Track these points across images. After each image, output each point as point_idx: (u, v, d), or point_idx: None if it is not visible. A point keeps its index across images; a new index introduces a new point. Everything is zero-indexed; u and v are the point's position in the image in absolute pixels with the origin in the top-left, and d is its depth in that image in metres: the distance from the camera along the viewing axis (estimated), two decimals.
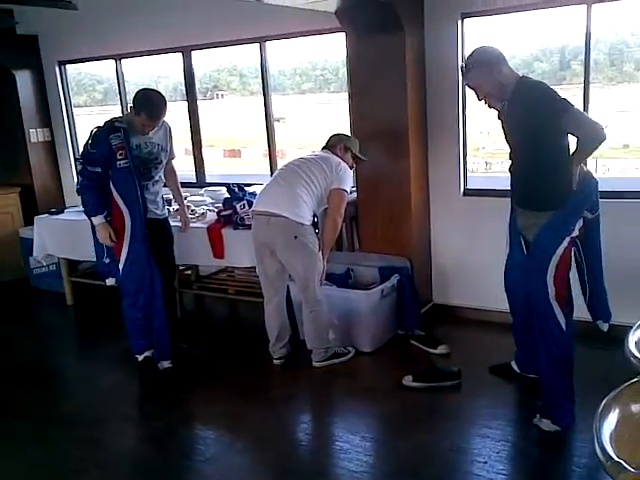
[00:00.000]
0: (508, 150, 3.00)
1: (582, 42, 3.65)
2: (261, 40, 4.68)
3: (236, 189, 4.27)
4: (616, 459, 1.31)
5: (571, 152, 2.78)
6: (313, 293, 3.61)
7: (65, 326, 5.07)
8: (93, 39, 5.42)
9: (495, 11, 3.84)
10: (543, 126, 2.71)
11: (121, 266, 3.59)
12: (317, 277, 3.61)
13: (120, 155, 3.45)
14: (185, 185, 5.01)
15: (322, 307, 3.65)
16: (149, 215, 3.65)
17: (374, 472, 2.83)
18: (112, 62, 5.55)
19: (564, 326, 2.89)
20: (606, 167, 5.89)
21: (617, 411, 1.51)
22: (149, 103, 3.49)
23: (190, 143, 5.32)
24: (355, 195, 4.28)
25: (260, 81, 4.87)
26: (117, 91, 5.61)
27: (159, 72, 6.21)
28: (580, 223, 2.84)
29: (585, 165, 3.00)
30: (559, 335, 2.90)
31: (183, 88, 5.28)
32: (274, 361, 3.81)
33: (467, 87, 3.05)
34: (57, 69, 5.95)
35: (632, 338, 1.84)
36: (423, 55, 4.05)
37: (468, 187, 4.21)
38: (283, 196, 3.54)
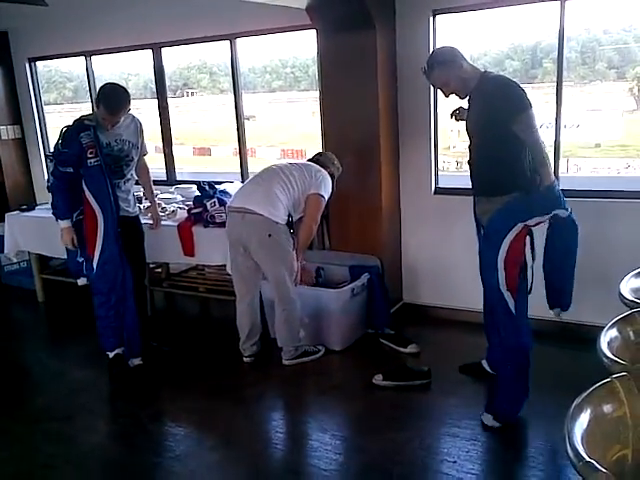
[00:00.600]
0: (468, 142, 3.04)
1: (554, 40, 3.66)
2: (231, 37, 4.65)
3: (207, 187, 4.24)
4: (587, 459, 1.31)
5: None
6: (286, 292, 3.59)
7: (36, 323, 5.03)
8: (63, 35, 5.36)
9: (467, 7, 3.83)
10: (498, 118, 2.74)
11: (94, 265, 3.56)
12: (290, 276, 3.59)
13: (91, 153, 3.42)
14: (155, 183, 4.94)
15: (295, 306, 3.63)
16: (121, 213, 3.63)
17: (344, 470, 2.82)
18: (82, 59, 5.49)
19: (514, 311, 2.85)
20: (577, 166, 5.94)
21: (589, 411, 1.51)
22: (109, 97, 3.46)
23: (160, 141, 5.28)
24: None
25: (230, 79, 4.84)
26: (87, 88, 5.57)
27: (129, 69, 6.16)
28: (541, 218, 2.84)
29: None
30: (508, 321, 2.88)
31: (153, 86, 5.24)
32: (244, 359, 3.80)
33: (432, 87, 3.07)
34: (27, 66, 5.88)
35: (604, 339, 1.85)
36: (394, 52, 4.04)
37: (439, 186, 4.22)
38: (259, 194, 3.53)
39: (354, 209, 4.14)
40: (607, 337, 1.87)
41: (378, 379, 3.42)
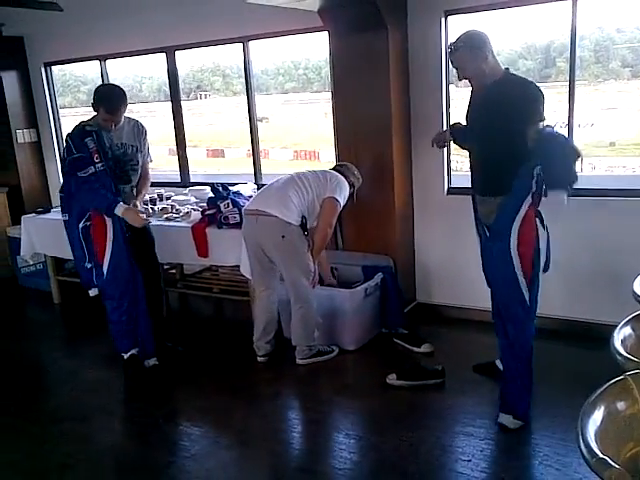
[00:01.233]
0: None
1: (567, 39, 3.64)
2: (244, 40, 4.67)
3: (220, 188, 4.26)
4: (601, 456, 1.30)
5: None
6: (301, 291, 3.62)
7: (51, 324, 5.08)
8: (78, 40, 5.42)
9: (479, 8, 3.82)
10: (517, 118, 2.75)
11: (104, 270, 3.57)
12: (306, 275, 3.61)
13: (96, 159, 3.44)
14: (169, 185, 5.01)
15: (310, 306, 3.65)
16: None
17: (358, 469, 2.82)
18: (97, 63, 5.54)
19: (528, 301, 2.84)
20: (592, 165, 5.90)
21: (602, 409, 1.51)
22: (106, 97, 3.50)
23: (174, 143, 5.32)
24: None
25: (243, 81, 4.86)
26: None
27: (143, 73, 6.20)
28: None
29: None
30: (522, 312, 2.86)
31: (167, 88, 5.28)
32: (258, 358, 3.82)
33: (450, 64, 3.09)
34: (43, 70, 5.96)
35: (617, 336, 1.85)
36: (406, 53, 4.04)
37: (452, 186, 4.21)
38: (273, 197, 3.60)
39: (367, 209, 4.14)
40: (621, 335, 1.87)
41: (392, 379, 3.43)
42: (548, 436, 2.93)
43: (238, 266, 4.03)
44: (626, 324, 1.95)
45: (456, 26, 3.94)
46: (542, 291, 3.21)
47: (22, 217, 5.18)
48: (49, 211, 5.21)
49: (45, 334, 4.88)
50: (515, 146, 2.78)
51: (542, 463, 2.72)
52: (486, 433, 2.94)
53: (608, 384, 1.60)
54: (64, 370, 4.11)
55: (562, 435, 2.87)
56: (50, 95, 6.02)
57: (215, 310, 5.10)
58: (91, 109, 3.60)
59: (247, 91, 4.84)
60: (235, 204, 4.11)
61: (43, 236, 5.00)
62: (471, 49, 2.88)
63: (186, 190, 5.05)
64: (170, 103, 5.25)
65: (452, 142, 3.47)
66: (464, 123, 3.21)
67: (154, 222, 4.08)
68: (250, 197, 4.12)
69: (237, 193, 4.27)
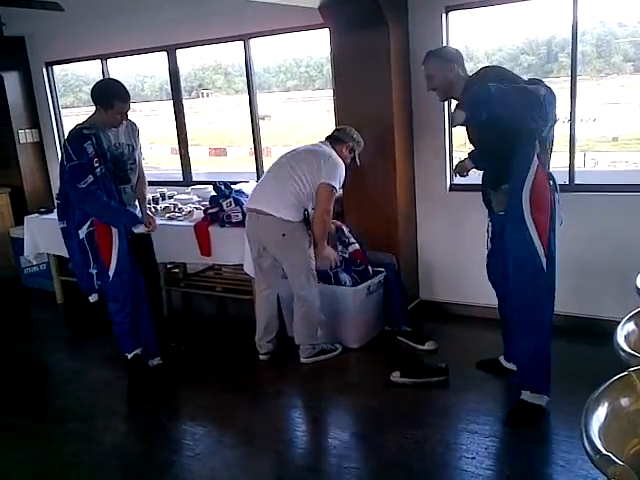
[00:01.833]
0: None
1: (569, 34, 3.63)
2: (245, 37, 4.67)
3: (222, 187, 4.26)
4: (605, 452, 1.30)
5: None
6: (303, 288, 3.61)
7: (55, 324, 5.10)
8: (79, 40, 5.42)
9: (480, 3, 3.81)
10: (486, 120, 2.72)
11: (110, 274, 3.55)
12: (307, 273, 3.60)
13: (96, 162, 3.40)
14: (172, 184, 5.01)
15: (312, 303, 3.65)
16: None
17: (362, 467, 2.83)
18: (98, 62, 5.54)
19: (545, 268, 2.83)
20: (595, 160, 5.88)
21: (606, 405, 1.50)
22: (116, 89, 3.45)
23: (176, 142, 5.32)
24: (341, 192, 4.27)
25: (245, 79, 4.86)
26: None
27: (144, 72, 6.20)
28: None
29: None
30: (539, 280, 2.84)
31: (168, 87, 5.28)
32: (260, 356, 3.82)
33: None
34: (44, 70, 5.96)
35: (621, 332, 1.84)
36: (407, 49, 4.03)
37: (454, 182, 4.20)
38: (272, 194, 3.56)
39: (369, 206, 4.14)
40: (624, 331, 1.86)
41: (396, 376, 3.42)
42: (552, 433, 2.94)
43: (241, 265, 4.03)
44: (629, 320, 1.94)
45: (457, 22, 3.93)
46: None
47: (25, 217, 5.19)
48: (52, 211, 5.16)
49: (49, 334, 4.89)
50: (504, 137, 2.79)
51: (546, 460, 2.72)
52: (490, 430, 2.94)
53: (612, 380, 1.59)
54: (68, 370, 4.11)
55: (566, 432, 2.86)
56: (52, 95, 6.03)
57: (218, 309, 5.11)
58: (92, 109, 3.57)
59: (249, 89, 4.84)
60: (237, 202, 4.11)
61: (46, 236, 5.00)
62: (438, 58, 3.00)
63: (188, 189, 5.05)
64: (172, 102, 5.25)
65: (475, 169, 3.42)
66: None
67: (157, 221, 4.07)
68: None
69: (239, 191, 4.27)
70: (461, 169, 3.36)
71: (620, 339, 1.80)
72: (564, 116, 3.74)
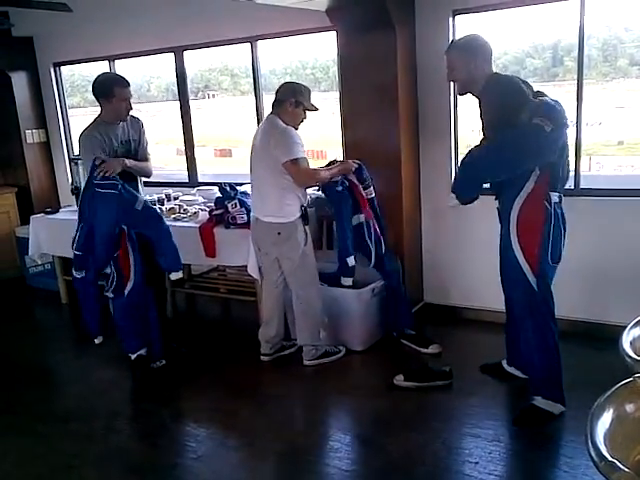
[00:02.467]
0: None
1: (575, 38, 3.63)
2: (252, 39, 4.67)
3: (228, 188, 4.26)
4: (610, 459, 1.29)
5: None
6: (301, 286, 3.61)
7: (60, 324, 5.11)
8: (87, 41, 5.44)
9: (487, 7, 3.81)
10: (502, 123, 2.77)
11: (126, 292, 3.58)
12: (304, 271, 3.59)
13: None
14: (177, 185, 5.01)
15: (311, 303, 3.64)
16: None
17: (365, 471, 2.83)
18: (106, 63, 5.55)
19: (536, 287, 2.85)
20: (600, 165, 5.86)
21: (611, 411, 1.50)
22: (113, 77, 3.56)
23: (182, 143, 5.32)
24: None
25: (251, 81, 4.87)
26: None
27: (151, 73, 6.21)
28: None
29: None
30: (532, 300, 2.87)
31: (175, 88, 5.28)
32: (262, 357, 3.82)
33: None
34: (52, 70, 5.97)
35: (626, 338, 1.83)
36: (414, 52, 4.04)
37: None
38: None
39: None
40: (630, 336, 1.84)
41: (399, 380, 3.42)
42: (556, 438, 2.92)
43: (245, 266, 4.03)
44: (635, 325, 1.92)
45: (464, 25, 3.93)
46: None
47: (31, 217, 5.21)
48: (57, 211, 5.24)
49: (52, 334, 4.90)
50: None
51: (550, 465, 2.71)
52: (494, 435, 2.93)
53: (617, 386, 1.59)
54: (71, 370, 4.13)
55: (570, 437, 2.86)
56: (59, 95, 6.04)
57: (222, 310, 5.11)
58: (98, 108, 3.60)
59: (255, 91, 4.85)
60: (243, 204, 4.11)
61: (51, 236, 5.02)
62: (463, 50, 2.88)
63: (194, 190, 5.06)
64: (178, 103, 5.26)
65: None
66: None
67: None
68: None
69: (245, 193, 4.26)
70: None
71: (626, 345, 1.79)
72: (569, 120, 3.73)
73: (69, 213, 5.10)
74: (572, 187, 3.74)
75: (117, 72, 5.45)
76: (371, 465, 2.85)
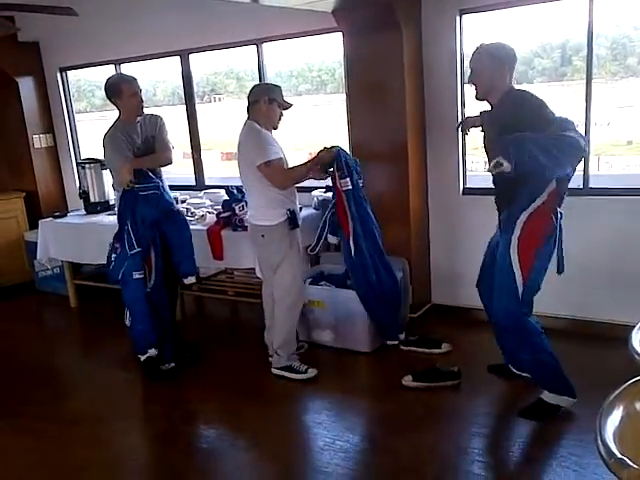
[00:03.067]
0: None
1: (583, 37, 3.62)
2: (258, 42, 4.67)
3: (235, 191, 4.27)
4: (619, 456, 1.29)
5: None
6: (279, 291, 3.58)
7: (69, 327, 5.13)
8: (93, 45, 5.45)
9: (494, 6, 3.79)
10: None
11: (150, 284, 3.68)
12: (283, 278, 3.53)
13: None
14: (185, 188, 5.02)
15: (283, 308, 3.58)
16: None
17: (374, 471, 2.82)
18: (112, 67, 5.57)
19: (520, 295, 2.86)
20: (609, 164, 5.83)
21: (621, 409, 1.50)
22: (118, 75, 3.65)
23: (188, 146, 5.32)
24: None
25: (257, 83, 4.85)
26: None
27: (157, 77, 6.24)
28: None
29: None
30: (514, 301, 2.88)
31: (181, 92, 5.29)
32: (269, 359, 3.78)
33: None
34: (59, 75, 5.99)
35: (636, 337, 1.83)
36: (421, 53, 4.03)
37: (467, 186, 4.18)
38: (249, 204, 3.66)
39: (382, 210, 4.11)
40: (639, 335, 1.84)
41: (408, 380, 3.41)
42: (565, 437, 2.91)
43: (253, 268, 4.03)
44: None
45: (471, 25, 3.92)
46: (559, 292, 3.19)
47: (39, 221, 5.22)
48: (65, 215, 5.28)
49: (62, 338, 4.93)
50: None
51: (560, 465, 2.69)
52: (503, 435, 2.92)
53: (627, 384, 1.58)
54: (81, 373, 4.15)
55: (580, 436, 2.84)
56: (66, 100, 6.05)
57: (230, 313, 5.12)
58: (105, 114, 3.65)
59: None
60: None
61: (59, 240, 5.05)
62: (490, 57, 2.84)
63: (201, 193, 5.06)
64: (185, 106, 5.26)
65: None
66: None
67: None
68: None
69: None
70: (468, 123, 3.23)
71: (635, 343, 1.79)
72: (578, 120, 3.71)
73: (77, 217, 5.18)
74: (581, 187, 3.72)
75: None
76: (380, 466, 2.84)
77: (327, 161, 3.50)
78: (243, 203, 4.15)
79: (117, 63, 5.51)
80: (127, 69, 5.53)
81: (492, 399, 3.26)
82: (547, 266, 2.89)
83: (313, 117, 5.83)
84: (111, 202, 5.01)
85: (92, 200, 5.19)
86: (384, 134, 4.02)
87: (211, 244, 4.21)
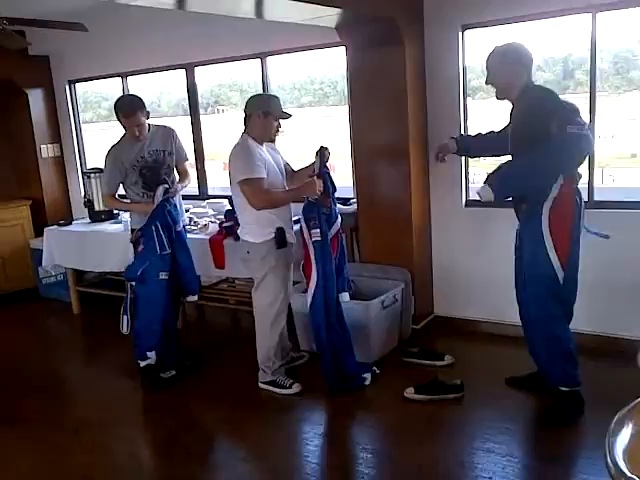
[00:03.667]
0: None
1: (586, 51, 3.63)
2: (262, 56, 4.71)
3: None
4: (629, 475, 1.27)
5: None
6: (256, 308, 3.56)
7: (71, 334, 5.16)
8: (101, 58, 5.52)
9: (497, 22, 3.82)
10: (535, 135, 2.79)
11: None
12: (269, 294, 3.46)
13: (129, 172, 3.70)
14: (188, 197, 5.05)
15: (261, 324, 3.55)
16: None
17: None
18: (119, 80, 5.63)
19: (562, 281, 2.91)
20: (612, 177, 5.82)
21: (630, 426, 1.48)
22: (119, 104, 3.64)
23: (193, 157, 5.35)
24: (355, 207, 4.29)
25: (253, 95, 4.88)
26: None
27: (161, 89, 6.28)
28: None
29: None
30: (554, 287, 2.92)
31: (185, 104, 5.34)
32: None
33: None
34: (67, 87, 6.06)
35: None
36: (423, 67, 4.05)
37: (470, 198, 4.18)
38: (238, 218, 3.60)
39: (384, 222, 4.14)
40: None
41: (410, 392, 3.39)
42: (574, 454, 2.88)
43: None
44: None
45: (473, 40, 3.94)
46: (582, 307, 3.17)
47: (45, 229, 5.27)
48: (70, 223, 5.32)
49: (65, 345, 4.95)
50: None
51: None
52: (507, 449, 2.88)
53: (636, 401, 1.56)
54: (83, 380, 4.16)
55: (589, 453, 2.80)
56: (73, 111, 6.12)
57: (231, 321, 5.12)
58: (111, 124, 3.71)
59: None
60: None
61: (64, 248, 5.09)
62: (506, 59, 2.95)
63: (204, 203, 5.09)
64: (189, 118, 5.30)
65: (458, 153, 3.52)
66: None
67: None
68: None
69: None
70: (442, 150, 3.42)
71: None
72: None
73: (81, 225, 5.23)
74: (586, 200, 3.71)
75: (130, 90, 5.58)
76: (382, 478, 2.82)
77: (314, 192, 3.31)
78: None
79: (124, 76, 5.57)
80: (133, 81, 5.59)
81: (497, 413, 3.21)
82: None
83: (316, 129, 5.85)
84: (115, 211, 5.04)
85: (97, 209, 5.22)
86: (386, 146, 4.04)
87: (213, 253, 4.22)
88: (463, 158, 4.09)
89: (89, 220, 5.28)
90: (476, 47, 3.96)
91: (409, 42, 3.86)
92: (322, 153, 3.40)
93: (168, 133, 3.82)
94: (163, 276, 3.68)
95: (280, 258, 3.41)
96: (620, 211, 3.72)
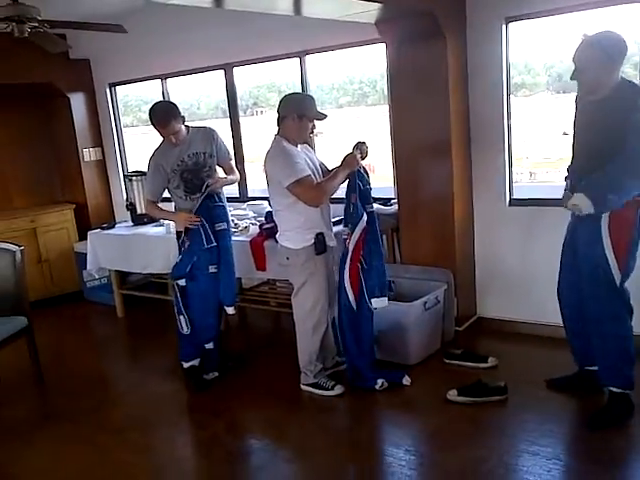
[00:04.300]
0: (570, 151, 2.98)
1: (634, 44, 3.50)
2: (301, 54, 4.70)
3: None
4: None
5: None
6: (296, 312, 3.55)
7: (116, 337, 5.23)
8: (141, 61, 5.58)
9: (542, 13, 3.70)
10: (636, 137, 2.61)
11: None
12: (310, 299, 3.44)
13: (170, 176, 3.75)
14: (228, 200, 5.09)
15: (301, 328, 3.54)
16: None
17: None
18: (158, 82, 5.69)
19: (618, 283, 2.84)
20: None
21: None
22: (152, 114, 3.65)
23: (233, 159, 5.39)
24: (396, 207, 4.25)
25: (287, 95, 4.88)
26: None
27: (200, 91, 6.33)
28: None
29: None
30: (612, 294, 2.86)
31: (224, 106, 5.35)
32: None
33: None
34: (108, 91, 6.15)
35: None
36: (465, 62, 3.98)
37: (514, 197, 4.10)
38: (277, 224, 3.57)
39: (426, 222, 4.09)
40: None
41: (453, 395, 3.35)
42: (624, 458, 2.80)
43: None
44: None
45: (517, 33, 3.85)
46: None
47: (88, 232, 5.36)
48: (113, 227, 5.39)
49: (109, 347, 5.02)
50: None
51: None
52: (553, 452, 2.82)
53: None
54: (127, 382, 4.22)
55: (636, 456, 2.75)
56: (114, 114, 6.21)
57: (272, 323, 5.13)
58: (150, 127, 3.74)
59: None
60: None
61: (107, 251, 5.17)
62: (599, 52, 2.60)
63: (244, 205, 5.11)
64: (229, 120, 5.32)
65: None
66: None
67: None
68: None
69: None
70: (566, 200, 2.87)
71: None
72: None
73: (124, 228, 5.29)
74: None
75: (170, 93, 5.64)
76: None
77: (354, 165, 3.32)
78: None
79: (163, 78, 5.64)
80: (172, 84, 5.65)
81: (541, 415, 3.15)
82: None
83: (355, 129, 5.81)
84: None
85: (139, 212, 5.29)
86: (428, 144, 3.98)
87: (254, 255, 4.23)
88: (507, 157, 4.01)
89: (131, 223, 5.36)
90: (520, 40, 3.87)
91: (450, 36, 3.79)
92: (360, 148, 3.38)
93: (208, 134, 3.81)
94: (212, 269, 3.70)
95: (320, 263, 3.40)
96: None
